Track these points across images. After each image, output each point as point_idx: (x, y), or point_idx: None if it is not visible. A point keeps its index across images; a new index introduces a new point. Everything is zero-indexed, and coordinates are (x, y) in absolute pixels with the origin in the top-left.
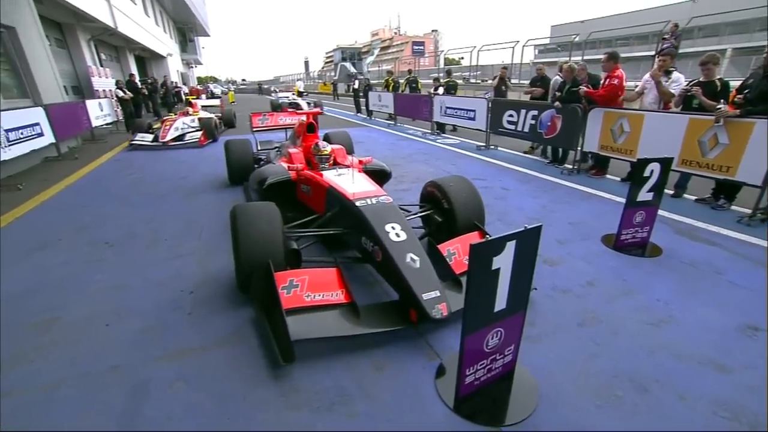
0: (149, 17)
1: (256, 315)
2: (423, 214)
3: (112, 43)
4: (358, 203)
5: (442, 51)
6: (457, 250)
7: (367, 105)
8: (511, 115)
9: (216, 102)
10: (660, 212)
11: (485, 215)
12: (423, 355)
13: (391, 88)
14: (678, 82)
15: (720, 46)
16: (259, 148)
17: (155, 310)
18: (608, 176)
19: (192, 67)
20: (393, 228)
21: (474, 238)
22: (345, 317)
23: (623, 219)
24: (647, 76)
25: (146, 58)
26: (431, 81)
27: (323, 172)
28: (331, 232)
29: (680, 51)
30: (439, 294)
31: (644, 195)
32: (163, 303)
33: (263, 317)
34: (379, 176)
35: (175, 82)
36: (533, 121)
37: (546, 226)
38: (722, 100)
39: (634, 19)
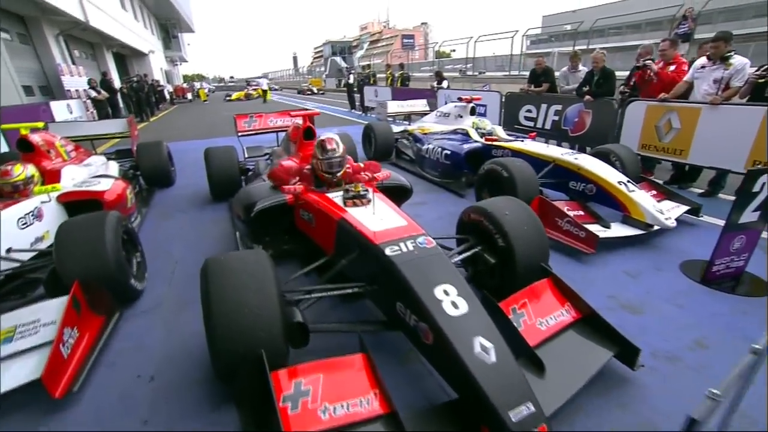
0: (127, 11)
1: None
2: (469, 254)
3: (87, 39)
4: (388, 251)
5: (435, 43)
6: (525, 310)
7: (362, 101)
8: (529, 110)
9: (119, 128)
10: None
11: None
12: None
13: (389, 81)
14: (742, 70)
15: (712, 33)
16: (246, 155)
17: (91, 417)
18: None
19: (177, 64)
20: (446, 293)
21: (544, 288)
22: None
23: (719, 246)
24: (698, 63)
25: (126, 55)
26: (426, 75)
27: (330, 195)
28: (349, 291)
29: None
30: (533, 409)
31: (748, 215)
32: (107, 401)
33: None
34: (397, 194)
35: (158, 81)
36: (556, 117)
37: (605, 250)
38: None
39: (626, 8)
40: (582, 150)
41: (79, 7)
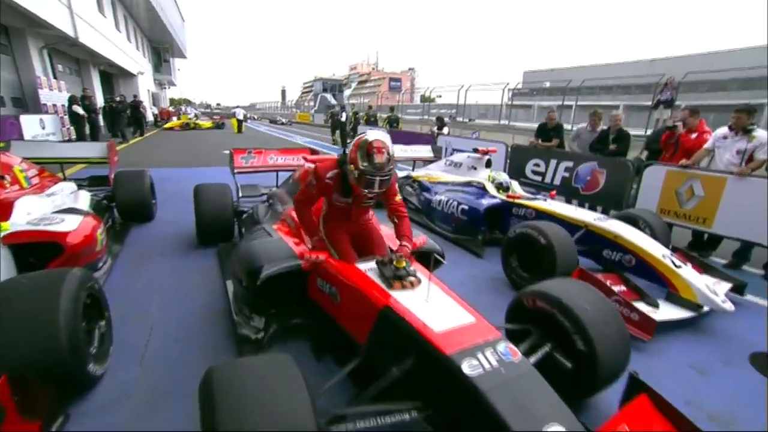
0: (121, 32)
1: None
2: (540, 356)
3: (74, 55)
4: (466, 368)
5: (426, 87)
6: None
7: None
8: (537, 164)
9: (97, 152)
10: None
11: None
12: None
13: (365, 121)
14: (766, 144)
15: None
16: (240, 194)
17: None
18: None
19: (165, 87)
20: None
21: (644, 410)
22: None
23: None
24: (719, 132)
25: (114, 74)
26: (415, 118)
27: (362, 267)
28: (407, 416)
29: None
30: None
31: None
32: None
33: None
34: (426, 260)
35: (141, 101)
36: (566, 174)
37: (662, 336)
38: None
39: (602, 71)
40: (593, 208)
41: (70, 23)
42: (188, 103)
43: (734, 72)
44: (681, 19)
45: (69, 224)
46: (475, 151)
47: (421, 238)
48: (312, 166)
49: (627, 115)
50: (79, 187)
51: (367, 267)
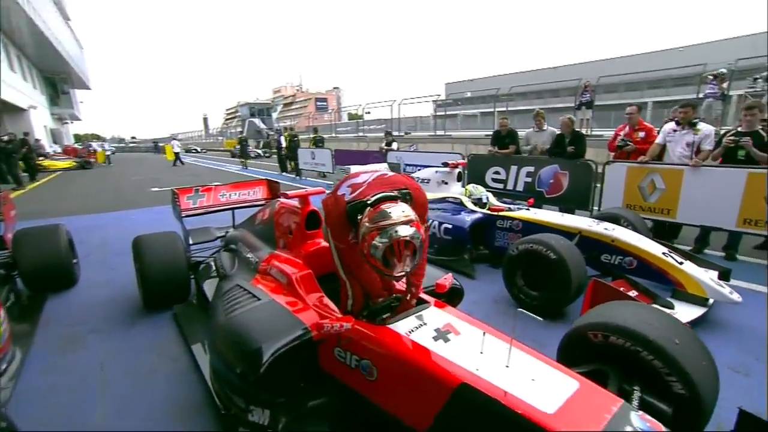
0: None
1: None
2: (636, 404)
3: None
4: None
5: (359, 105)
6: None
7: (296, 163)
8: (497, 172)
9: None
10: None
11: None
12: None
13: (287, 143)
14: (710, 135)
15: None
16: (191, 241)
17: None
18: None
19: (67, 122)
20: None
21: None
22: None
23: None
24: (668, 127)
25: None
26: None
27: (399, 328)
28: None
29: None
30: None
31: None
32: None
33: None
34: (451, 300)
35: (39, 139)
36: (528, 179)
37: None
38: None
39: (514, 80)
40: (564, 210)
41: None
42: (98, 138)
43: (622, 77)
44: (575, 31)
45: None
46: (445, 165)
47: (449, 278)
48: (289, 202)
49: (547, 116)
50: None
51: (407, 327)
